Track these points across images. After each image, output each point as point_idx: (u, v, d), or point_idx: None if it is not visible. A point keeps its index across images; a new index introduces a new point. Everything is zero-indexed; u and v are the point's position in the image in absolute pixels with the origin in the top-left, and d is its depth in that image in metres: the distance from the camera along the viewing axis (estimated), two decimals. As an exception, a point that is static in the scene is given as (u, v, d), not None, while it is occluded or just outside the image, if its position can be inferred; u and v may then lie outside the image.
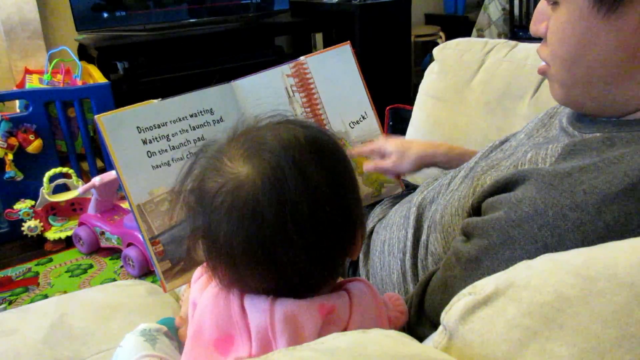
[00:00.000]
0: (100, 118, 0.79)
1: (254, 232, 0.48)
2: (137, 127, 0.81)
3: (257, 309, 0.52)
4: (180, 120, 0.85)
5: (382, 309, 0.58)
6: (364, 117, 1.01)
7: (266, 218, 0.48)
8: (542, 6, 0.63)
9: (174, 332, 0.71)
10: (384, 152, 0.95)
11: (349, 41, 1.01)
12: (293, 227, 0.48)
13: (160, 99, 0.85)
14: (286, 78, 0.95)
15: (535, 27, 0.64)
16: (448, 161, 0.94)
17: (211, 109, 0.87)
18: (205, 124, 0.86)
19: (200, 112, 0.86)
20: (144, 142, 0.82)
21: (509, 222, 0.54)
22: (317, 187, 0.50)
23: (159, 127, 0.83)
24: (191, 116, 0.86)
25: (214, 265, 0.53)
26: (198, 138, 0.85)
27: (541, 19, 0.62)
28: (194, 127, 0.86)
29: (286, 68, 0.95)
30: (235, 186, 0.49)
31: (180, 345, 0.69)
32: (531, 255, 0.47)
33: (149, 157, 0.82)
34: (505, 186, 0.58)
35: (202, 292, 0.57)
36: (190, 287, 0.61)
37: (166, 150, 0.83)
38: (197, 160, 0.55)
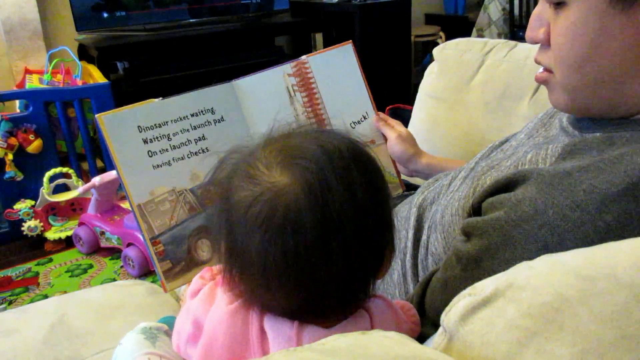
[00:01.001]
0: (101, 117, 0.79)
1: (292, 246, 0.45)
2: (138, 126, 0.81)
3: (282, 335, 0.49)
4: (181, 119, 0.85)
5: (401, 326, 0.56)
6: (365, 117, 1.01)
7: (307, 231, 0.45)
8: (540, 11, 0.61)
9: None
10: (395, 127, 1.02)
11: (350, 40, 1.00)
12: (336, 242, 0.45)
13: (161, 98, 0.85)
14: (287, 77, 0.95)
15: (533, 34, 0.62)
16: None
17: (212, 108, 0.87)
18: (206, 123, 0.86)
19: (201, 111, 0.86)
20: (145, 141, 0.82)
21: (509, 222, 0.53)
22: (361, 201, 0.47)
23: (159, 126, 0.83)
24: (192, 115, 0.85)
25: (237, 279, 0.50)
26: (199, 137, 0.85)
27: (539, 25, 0.61)
28: (194, 126, 0.86)
29: (287, 67, 0.95)
30: (274, 196, 0.46)
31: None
32: (532, 255, 0.47)
33: (150, 156, 0.82)
34: (505, 186, 0.58)
35: (206, 309, 0.53)
36: (189, 301, 0.57)
37: (167, 149, 0.83)
38: (221, 168, 0.52)
